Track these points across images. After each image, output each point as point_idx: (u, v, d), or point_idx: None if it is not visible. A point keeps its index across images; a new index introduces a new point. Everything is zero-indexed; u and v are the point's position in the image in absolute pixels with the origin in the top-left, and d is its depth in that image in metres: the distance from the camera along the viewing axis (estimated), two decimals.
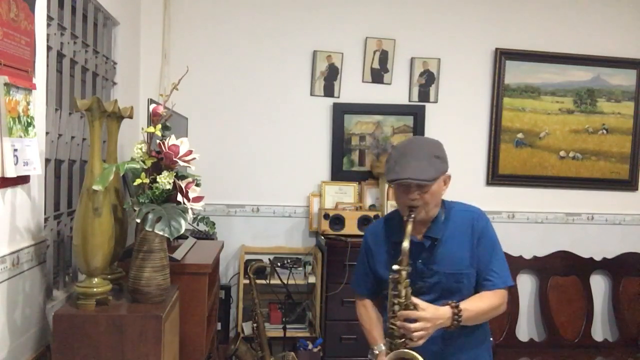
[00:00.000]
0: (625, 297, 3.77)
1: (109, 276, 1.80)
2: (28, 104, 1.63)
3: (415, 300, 1.70)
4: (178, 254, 2.30)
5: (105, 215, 1.65)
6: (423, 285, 1.84)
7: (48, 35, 1.91)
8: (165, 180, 1.70)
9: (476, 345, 1.93)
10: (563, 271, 3.74)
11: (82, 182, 1.89)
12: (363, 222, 3.32)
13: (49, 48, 1.95)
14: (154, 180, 1.71)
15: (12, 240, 1.63)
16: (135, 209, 1.68)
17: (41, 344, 1.81)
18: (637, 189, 3.93)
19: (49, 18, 1.94)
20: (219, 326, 3.28)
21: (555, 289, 3.72)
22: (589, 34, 3.80)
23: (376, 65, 3.65)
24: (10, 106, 1.52)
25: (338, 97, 3.64)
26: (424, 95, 3.70)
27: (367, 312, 2.00)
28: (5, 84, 1.49)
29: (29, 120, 1.63)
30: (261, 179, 3.61)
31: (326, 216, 3.37)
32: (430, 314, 1.69)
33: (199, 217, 2.93)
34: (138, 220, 1.67)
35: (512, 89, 3.76)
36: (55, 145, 2.05)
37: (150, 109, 1.82)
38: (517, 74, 3.75)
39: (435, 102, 3.71)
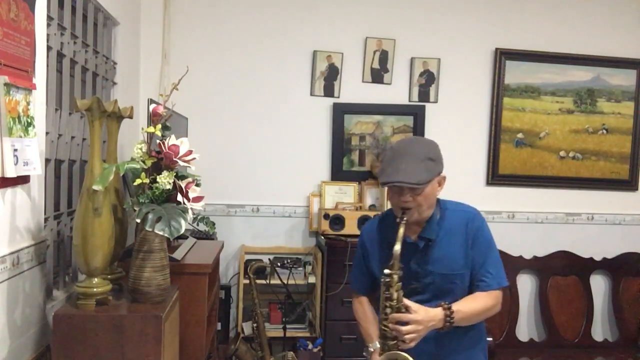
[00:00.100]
0: (625, 297, 3.77)
1: (109, 276, 1.80)
2: (28, 104, 1.63)
3: (407, 302, 1.70)
4: (178, 254, 2.30)
5: (105, 215, 1.65)
6: (417, 285, 1.84)
7: (48, 35, 1.91)
8: (165, 180, 1.70)
9: (471, 346, 1.93)
10: (563, 271, 3.74)
11: (82, 182, 1.89)
12: (363, 222, 3.31)
13: (49, 48, 1.95)
14: (154, 180, 1.71)
15: (12, 240, 1.63)
16: (135, 209, 1.68)
17: (41, 344, 1.81)
18: (637, 189, 3.93)
19: (49, 18, 1.93)
20: (219, 326, 3.28)
21: (555, 289, 3.72)
22: (589, 34, 3.80)
23: (376, 65, 3.65)
24: (10, 106, 1.52)
25: (338, 97, 3.64)
26: (424, 95, 3.71)
27: (364, 309, 2.00)
28: (5, 84, 1.49)
29: (29, 120, 1.63)
30: (261, 179, 3.61)
31: (326, 216, 3.37)
32: (422, 317, 1.69)
33: (199, 217, 2.93)
34: (138, 220, 1.67)
35: (512, 89, 3.76)
36: (55, 145, 2.05)
37: (150, 109, 1.82)
38: (517, 74, 3.75)
39: (435, 102, 3.71)
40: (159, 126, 1.76)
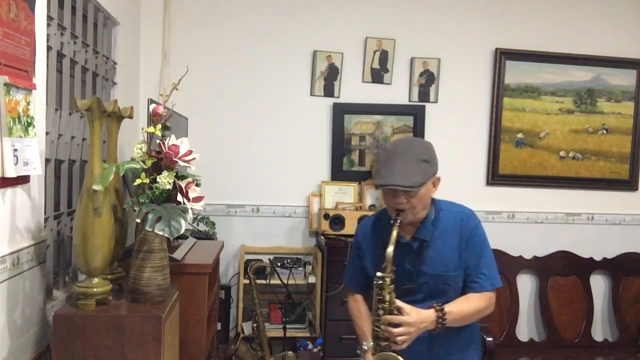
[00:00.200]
0: (625, 297, 3.78)
1: (109, 276, 1.80)
2: (28, 104, 1.63)
3: (399, 303, 1.71)
4: (178, 254, 2.30)
5: (105, 215, 1.65)
6: (411, 286, 1.85)
7: (48, 35, 1.91)
8: (165, 180, 1.70)
9: (465, 347, 1.93)
10: (563, 271, 3.74)
11: (82, 182, 1.89)
12: None
13: (49, 48, 1.95)
14: (154, 180, 1.71)
15: (12, 240, 1.63)
16: (135, 209, 1.68)
17: (41, 344, 1.81)
18: (637, 189, 3.93)
19: (49, 18, 1.93)
20: (219, 326, 3.28)
21: (555, 289, 3.72)
22: (589, 34, 3.80)
23: (376, 65, 3.65)
24: (10, 106, 1.52)
25: (338, 97, 3.64)
26: (424, 95, 3.71)
27: (358, 306, 2.01)
28: (5, 84, 1.49)
29: (29, 120, 1.63)
30: (261, 179, 3.61)
31: (326, 216, 3.37)
32: (414, 319, 1.69)
33: (199, 217, 2.93)
34: (138, 220, 1.67)
35: (512, 89, 3.76)
36: (55, 145, 2.05)
37: (150, 109, 1.82)
38: (517, 74, 3.75)
39: (435, 102, 3.71)
40: (159, 126, 1.76)
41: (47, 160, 1.98)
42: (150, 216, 1.63)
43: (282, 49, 3.58)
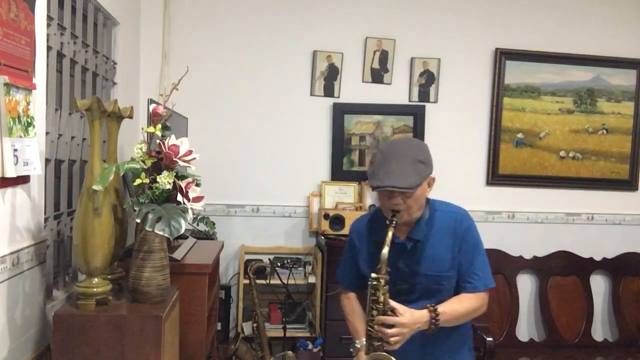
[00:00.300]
0: (625, 297, 3.77)
1: (109, 276, 1.80)
2: (28, 104, 1.63)
3: (393, 304, 1.71)
4: (178, 254, 2.30)
5: (105, 215, 1.65)
6: (404, 285, 1.85)
7: (48, 35, 1.91)
8: (165, 180, 1.70)
9: (458, 347, 1.94)
10: (563, 271, 3.74)
11: (82, 182, 1.89)
12: None
13: (49, 48, 1.95)
14: (154, 180, 1.71)
15: (12, 240, 1.63)
16: (135, 209, 1.68)
17: (41, 344, 1.81)
18: (637, 189, 3.93)
19: (49, 18, 1.93)
20: (219, 326, 3.28)
21: (555, 289, 3.72)
22: (589, 34, 3.80)
23: (376, 65, 3.65)
24: (10, 106, 1.52)
25: (338, 97, 3.64)
26: (424, 95, 3.71)
27: (352, 305, 2.01)
28: (5, 84, 1.49)
29: (29, 120, 1.63)
30: (261, 179, 3.61)
31: (326, 216, 3.37)
32: (407, 319, 1.70)
33: (199, 217, 2.93)
34: (138, 220, 1.67)
35: (512, 89, 3.76)
36: (55, 145, 2.05)
37: (150, 109, 1.82)
38: (517, 74, 3.75)
39: (435, 102, 3.71)
40: (159, 126, 1.76)
41: (47, 160, 1.98)
42: (150, 216, 1.63)
43: (282, 49, 3.58)
